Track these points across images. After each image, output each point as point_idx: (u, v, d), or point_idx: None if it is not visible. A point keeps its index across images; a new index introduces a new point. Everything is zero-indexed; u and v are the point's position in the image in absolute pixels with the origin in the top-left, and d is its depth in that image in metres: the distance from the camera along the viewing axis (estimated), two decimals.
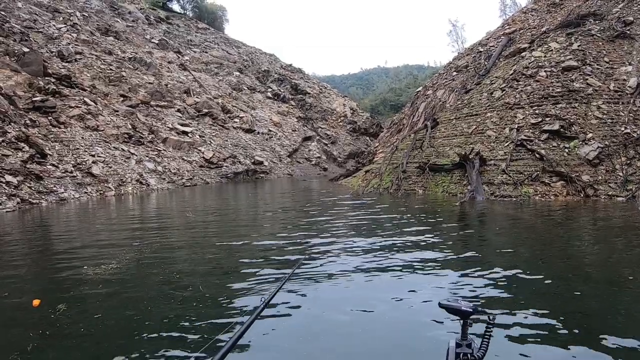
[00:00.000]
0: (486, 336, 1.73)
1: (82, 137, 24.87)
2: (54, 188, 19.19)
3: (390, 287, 5.93)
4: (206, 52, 57.73)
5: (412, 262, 7.08)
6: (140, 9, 58.49)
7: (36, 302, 4.89)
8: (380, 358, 4.06)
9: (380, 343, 4.35)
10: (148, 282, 6.39)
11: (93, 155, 23.68)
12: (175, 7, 74.74)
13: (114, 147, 26.23)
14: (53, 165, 20.83)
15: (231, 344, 1.79)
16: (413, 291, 5.71)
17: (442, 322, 4.49)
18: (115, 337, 4.47)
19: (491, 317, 1.75)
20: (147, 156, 28.45)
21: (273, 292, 2.27)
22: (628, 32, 20.56)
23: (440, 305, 1.77)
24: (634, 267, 6.82)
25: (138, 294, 5.83)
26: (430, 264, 7.01)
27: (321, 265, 6.99)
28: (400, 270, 6.63)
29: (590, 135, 16.50)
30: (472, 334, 1.77)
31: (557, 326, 4.43)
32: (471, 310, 1.73)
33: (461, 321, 1.75)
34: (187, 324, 4.67)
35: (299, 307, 5.17)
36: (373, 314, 5.01)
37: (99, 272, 6.70)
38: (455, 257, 7.57)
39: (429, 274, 6.51)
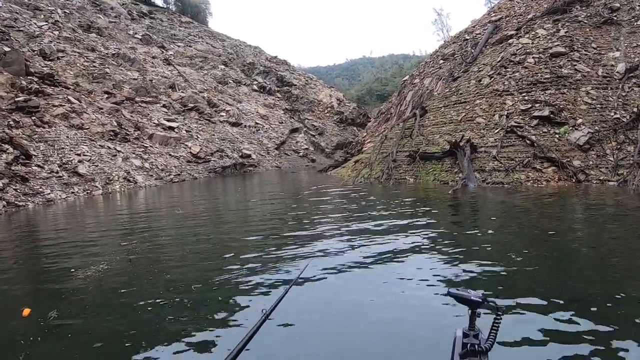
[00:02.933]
0: (494, 327, 1.65)
1: (67, 136, 24.46)
2: (40, 189, 18.85)
3: (391, 277, 5.89)
4: (190, 46, 57.09)
5: (410, 251, 7.06)
6: (123, 4, 57.58)
7: (26, 311, 4.72)
8: (385, 347, 3.98)
9: (385, 332, 4.29)
10: (139, 285, 6.20)
11: (79, 154, 23.29)
12: (158, 1, 73.92)
13: (99, 145, 25.84)
14: (38, 166, 20.45)
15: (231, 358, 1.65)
16: (414, 280, 5.70)
17: (447, 311, 4.49)
18: (109, 344, 4.32)
19: (500, 309, 1.67)
20: (133, 153, 28.06)
21: (274, 303, 2.10)
22: (615, 18, 20.64)
23: (449, 294, 1.70)
24: (627, 249, 6.83)
25: (129, 297, 5.65)
26: (427, 252, 6.99)
27: (319, 258, 6.86)
28: (400, 260, 6.61)
29: (580, 120, 16.52)
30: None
31: (559, 313, 4.39)
32: (480, 300, 1.65)
33: (469, 311, 1.68)
34: (180, 329, 4.52)
35: (295, 302, 5.04)
36: (375, 305, 4.99)
37: (90, 275, 6.52)
38: (452, 245, 7.55)
39: (428, 263, 6.46)
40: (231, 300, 5.36)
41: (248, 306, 5.09)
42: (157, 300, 5.37)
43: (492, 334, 1.64)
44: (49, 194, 18.93)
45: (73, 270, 6.85)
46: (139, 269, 7.00)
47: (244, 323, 4.60)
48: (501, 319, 1.66)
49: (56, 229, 12.41)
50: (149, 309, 5.12)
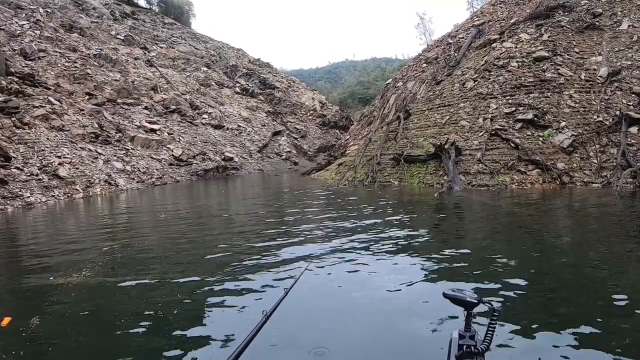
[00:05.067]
0: (490, 328, 1.65)
1: (48, 138, 24.02)
2: (20, 192, 18.47)
3: (388, 279, 5.86)
4: (173, 48, 56.74)
5: (404, 254, 7.04)
6: (105, 4, 56.97)
7: (6, 320, 4.55)
8: (384, 349, 3.95)
9: (384, 335, 4.28)
10: (121, 290, 6.00)
11: (59, 157, 22.88)
12: (141, 1, 73.32)
13: (80, 148, 25.42)
14: (18, 168, 20.03)
15: None
16: (409, 282, 5.70)
17: (443, 313, 4.46)
18: (95, 349, 4.19)
19: (496, 310, 1.68)
20: (115, 156, 27.70)
21: (274, 305, 2.05)
22: (597, 23, 21.05)
23: (445, 296, 1.70)
24: (607, 248, 6.95)
25: (112, 301, 5.53)
26: (419, 255, 6.97)
27: (315, 261, 6.79)
28: (394, 263, 6.61)
29: (563, 123, 16.72)
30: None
31: (550, 313, 4.42)
32: (476, 301, 1.66)
33: (465, 312, 1.70)
34: (174, 336, 4.39)
35: (295, 304, 4.92)
36: (374, 307, 4.98)
37: (71, 281, 6.34)
38: (443, 247, 7.51)
39: (420, 265, 6.45)
40: (227, 304, 5.23)
41: (247, 308, 5.01)
42: (145, 308, 5.22)
43: (488, 335, 1.63)
44: (29, 197, 18.57)
45: (52, 278, 6.64)
46: (120, 274, 6.82)
47: (243, 325, 4.46)
48: (497, 320, 1.66)
49: (36, 234, 12.14)
50: (136, 317, 4.97)
